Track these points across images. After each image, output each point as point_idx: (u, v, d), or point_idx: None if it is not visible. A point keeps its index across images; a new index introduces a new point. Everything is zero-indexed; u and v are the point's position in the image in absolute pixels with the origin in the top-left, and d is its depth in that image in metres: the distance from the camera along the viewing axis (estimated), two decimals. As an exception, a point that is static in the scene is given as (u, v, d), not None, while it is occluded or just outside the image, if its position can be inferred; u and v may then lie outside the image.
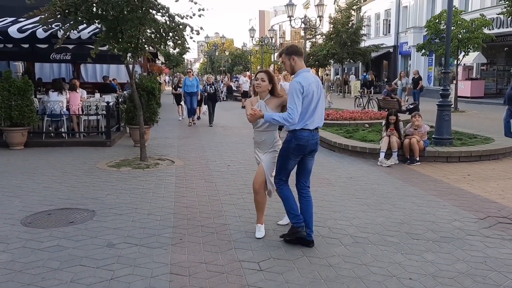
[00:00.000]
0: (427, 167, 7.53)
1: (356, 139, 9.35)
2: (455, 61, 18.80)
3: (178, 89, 16.11)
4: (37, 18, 7.83)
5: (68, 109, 10.56)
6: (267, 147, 4.34)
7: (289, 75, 15.63)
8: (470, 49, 18.16)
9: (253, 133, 4.45)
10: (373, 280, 3.47)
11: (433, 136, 8.68)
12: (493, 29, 20.43)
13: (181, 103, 16.10)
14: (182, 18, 7.50)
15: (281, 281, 3.45)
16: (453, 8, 12.74)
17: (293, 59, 4.07)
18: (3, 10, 10.35)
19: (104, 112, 10.46)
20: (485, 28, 17.81)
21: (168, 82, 43.29)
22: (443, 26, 17.16)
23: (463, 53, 18.32)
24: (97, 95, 12.90)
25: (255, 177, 4.35)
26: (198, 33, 7.68)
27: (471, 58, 22.06)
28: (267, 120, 4.03)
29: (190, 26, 7.52)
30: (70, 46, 12.81)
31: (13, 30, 9.50)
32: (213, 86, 14.80)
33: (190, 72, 15.16)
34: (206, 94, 14.74)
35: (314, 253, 3.98)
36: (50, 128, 10.73)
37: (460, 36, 17.56)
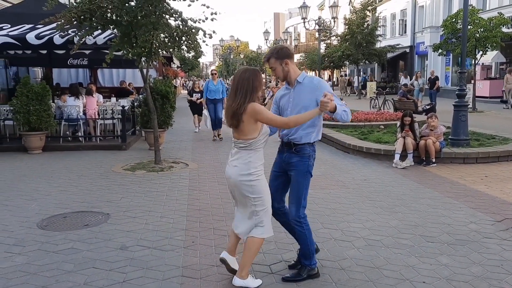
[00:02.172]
0: (443, 169, 7.42)
1: (371, 141, 9.26)
2: (473, 60, 18.48)
3: (194, 94, 13.41)
4: (53, 25, 7.99)
5: (84, 113, 10.76)
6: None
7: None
8: (488, 48, 17.82)
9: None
10: (386, 283, 3.43)
11: (450, 137, 8.55)
12: (512, 27, 20.01)
13: (203, 111, 12.09)
14: (194, 22, 7.55)
15: (292, 284, 3.43)
16: (470, 7, 12.56)
17: (286, 63, 3.42)
18: (21, 17, 10.59)
19: (119, 116, 10.60)
20: (503, 26, 17.46)
21: (183, 85, 43.55)
22: (460, 25, 16.86)
23: (480, 53, 17.99)
24: (113, 99, 13.08)
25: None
26: (210, 37, 7.72)
27: (490, 57, 21.63)
28: (339, 111, 3.23)
29: (202, 30, 7.58)
30: (87, 52, 13.04)
31: (31, 37, 9.71)
32: None
33: (215, 74, 12.41)
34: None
35: (326, 256, 3.95)
36: (68, 132, 10.93)
37: (477, 35, 17.25)
